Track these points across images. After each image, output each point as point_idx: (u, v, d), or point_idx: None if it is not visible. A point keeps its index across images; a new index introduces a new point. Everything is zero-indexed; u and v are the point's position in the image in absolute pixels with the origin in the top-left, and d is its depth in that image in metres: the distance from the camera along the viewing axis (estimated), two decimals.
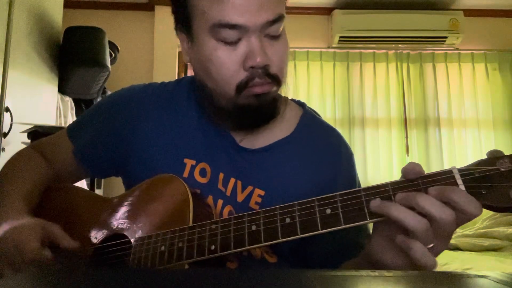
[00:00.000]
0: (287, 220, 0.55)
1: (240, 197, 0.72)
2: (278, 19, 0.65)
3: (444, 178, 0.51)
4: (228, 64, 0.65)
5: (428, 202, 0.48)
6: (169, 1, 0.73)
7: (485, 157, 0.53)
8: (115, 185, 2.68)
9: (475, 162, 0.52)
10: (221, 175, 0.73)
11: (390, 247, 0.52)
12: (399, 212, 0.49)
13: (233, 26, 0.63)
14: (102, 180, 2.54)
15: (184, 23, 0.70)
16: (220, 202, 0.72)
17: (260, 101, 0.67)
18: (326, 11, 3.20)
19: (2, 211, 0.68)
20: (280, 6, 0.66)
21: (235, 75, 0.65)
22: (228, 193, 0.72)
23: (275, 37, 0.66)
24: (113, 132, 0.79)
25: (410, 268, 0.51)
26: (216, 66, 0.66)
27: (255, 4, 0.62)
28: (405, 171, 0.53)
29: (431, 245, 0.49)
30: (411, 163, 0.53)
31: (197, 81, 0.74)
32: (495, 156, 0.51)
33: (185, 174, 0.73)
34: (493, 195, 0.49)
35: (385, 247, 0.53)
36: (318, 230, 0.53)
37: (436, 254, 0.51)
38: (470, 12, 3.14)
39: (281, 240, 0.54)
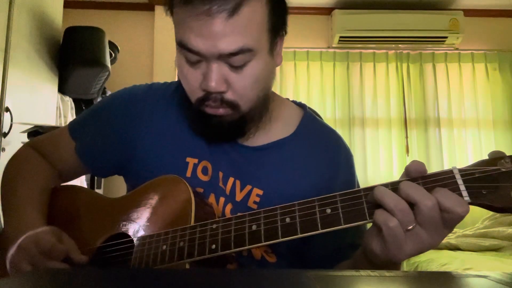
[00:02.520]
0: (287, 220, 0.55)
1: (239, 196, 0.72)
2: (239, 52, 0.62)
3: (445, 178, 0.51)
4: (189, 80, 0.67)
5: (407, 185, 0.50)
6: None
7: (485, 157, 0.53)
8: (115, 185, 2.69)
9: (476, 162, 0.52)
10: (221, 174, 0.73)
11: (376, 233, 0.53)
12: (379, 191, 0.51)
13: (190, 50, 0.63)
14: (102, 180, 2.54)
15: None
16: (221, 200, 0.72)
17: (214, 122, 0.68)
18: (326, 11, 3.20)
19: (21, 221, 0.70)
20: (247, 39, 0.62)
21: (194, 91, 0.67)
22: (228, 191, 0.73)
23: (238, 67, 0.64)
24: (115, 131, 0.79)
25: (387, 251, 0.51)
26: (182, 78, 0.68)
27: (211, 33, 0.60)
28: (407, 169, 0.53)
29: (410, 227, 0.49)
30: (414, 162, 0.53)
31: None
32: (496, 157, 0.51)
33: (188, 174, 0.73)
34: (494, 195, 0.49)
35: (372, 234, 0.53)
36: (318, 230, 0.53)
37: (423, 245, 0.51)
38: (470, 12, 3.14)
39: (281, 239, 0.54)
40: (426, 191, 0.49)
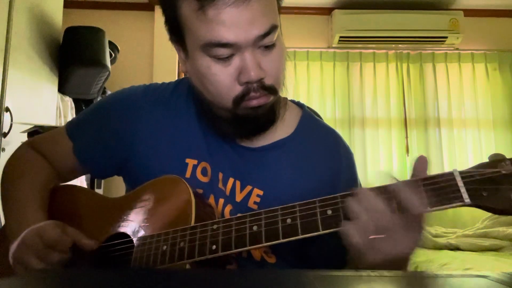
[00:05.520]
0: (288, 220, 0.55)
1: (239, 197, 0.72)
2: (271, 30, 0.63)
3: (445, 180, 0.51)
4: (222, 80, 0.65)
5: (365, 195, 0.53)
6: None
7: (485, 157, 0.53)
8: (115, 185, 2.69)
9: (477, 164, 0.53)
10: (221, 175, 0.73)
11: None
12: (347, 201, 0.54)
13: (224, 45, 0.62)
14: (102, 180, 2.54)
15: (177, 37, 0.70)
16: (221, 201, 0.72)
17: (258, 112, 0.68)
18: (326, 11, 3.20)
19: (22, 218, 0.69)
20: (272, 17, 0.64)
21: (230, 90, 0.65)
22: (228, 192, 0.73)
23: (270, 46, 0.65)
24: (113, 133, 0.79)
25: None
26: (211, 82, 0.66)
27: (245, 20, 0.61)
28: (414, 167, 0.54)
29: (371, 236, 0.52)
30: (418, 158, 0.54)
31: (196, 91, 0.74)
32: (496, 159, 0.51)
33: (188, 174, 0.73)
34: (494, 197, 0.49)
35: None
36: (319, 231, 0.53)
37: (389, 250, 0.52)
38: (470, 12, 3.14)
39: (282, 240, 0.54)
40: (374, 197, 0.52)
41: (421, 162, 0.54)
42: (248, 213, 0.58)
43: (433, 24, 3.04)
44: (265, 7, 0.62)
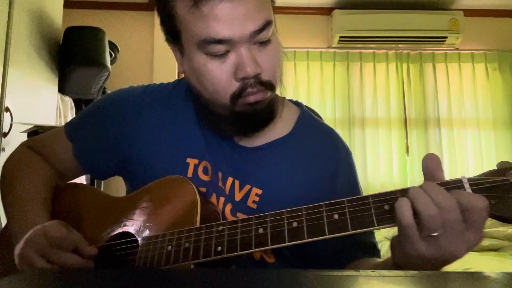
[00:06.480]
0: (294, 224, 0.55)
1: (238, 196, 0.72)
2: (265, 26, 0.64)
3: (454, 187, 0.51)
4: (219, 76, 0.65)
5: (430, 186, 0.50)
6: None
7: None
8: (115, 185, 2.69)
9: (485, 172, 0.53)
10: (220, 174, 0.74)
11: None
12: (415, 192, 0.50)
13: (219, 41, 0.62)
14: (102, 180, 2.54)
15: (173, 36, 0.70)
16: (222, 199, 0.72)
17: (255, 109, 0.68)
18: (326, 11, 3.20)
19: (25, 218, 0.69)
20: (266, 12, 0.64)
21: (227, 87, 0.66)
22: (227, 191, 0.73)
23: (265, 42, 0.65)
24: (112, 134, 0.79)
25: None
26: (208, 79, 0.66)
27: (239, 16, 0.61)
28: (425, 167, 0.54)
29: (435, 234, 0.48)
30: (428, 156, 0.54)
31: (193, 90, 0.74)
32: (504, 167, 0.51)
33: (189, 174, 0.73)
34: (503, 205, 0.49)
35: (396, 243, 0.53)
36: (325, 235, 0.53)
37: (441, 252, 0.49)
38: (470, 12, 3.14)
39: (288, 243, 0.54)
40: (447, 192, 0.49)
41: (433, 160, 0.53)
42: (254, 216, 0.58)
43: (433, 24, 3.04)
44: (258, 2, 0.63)
